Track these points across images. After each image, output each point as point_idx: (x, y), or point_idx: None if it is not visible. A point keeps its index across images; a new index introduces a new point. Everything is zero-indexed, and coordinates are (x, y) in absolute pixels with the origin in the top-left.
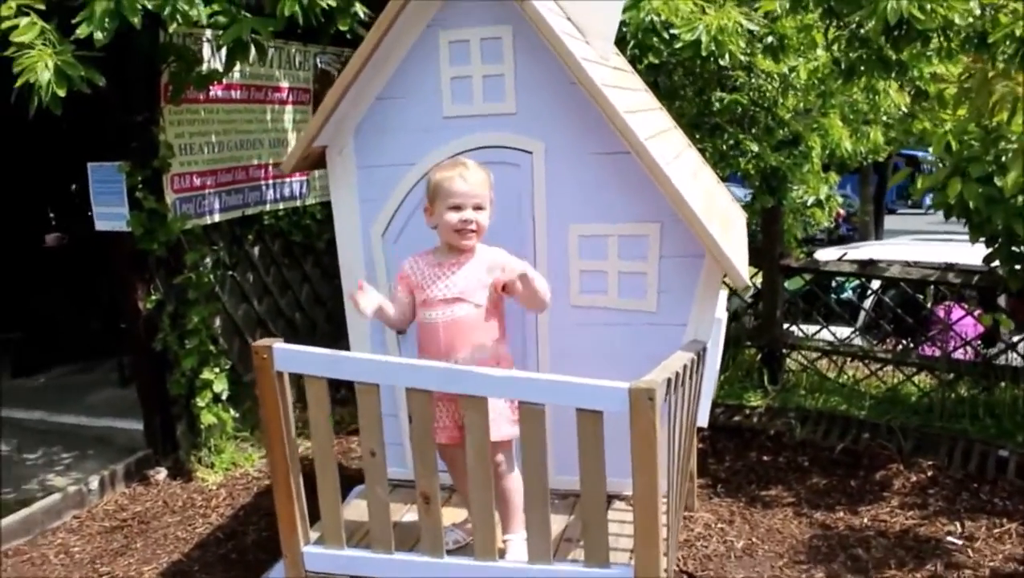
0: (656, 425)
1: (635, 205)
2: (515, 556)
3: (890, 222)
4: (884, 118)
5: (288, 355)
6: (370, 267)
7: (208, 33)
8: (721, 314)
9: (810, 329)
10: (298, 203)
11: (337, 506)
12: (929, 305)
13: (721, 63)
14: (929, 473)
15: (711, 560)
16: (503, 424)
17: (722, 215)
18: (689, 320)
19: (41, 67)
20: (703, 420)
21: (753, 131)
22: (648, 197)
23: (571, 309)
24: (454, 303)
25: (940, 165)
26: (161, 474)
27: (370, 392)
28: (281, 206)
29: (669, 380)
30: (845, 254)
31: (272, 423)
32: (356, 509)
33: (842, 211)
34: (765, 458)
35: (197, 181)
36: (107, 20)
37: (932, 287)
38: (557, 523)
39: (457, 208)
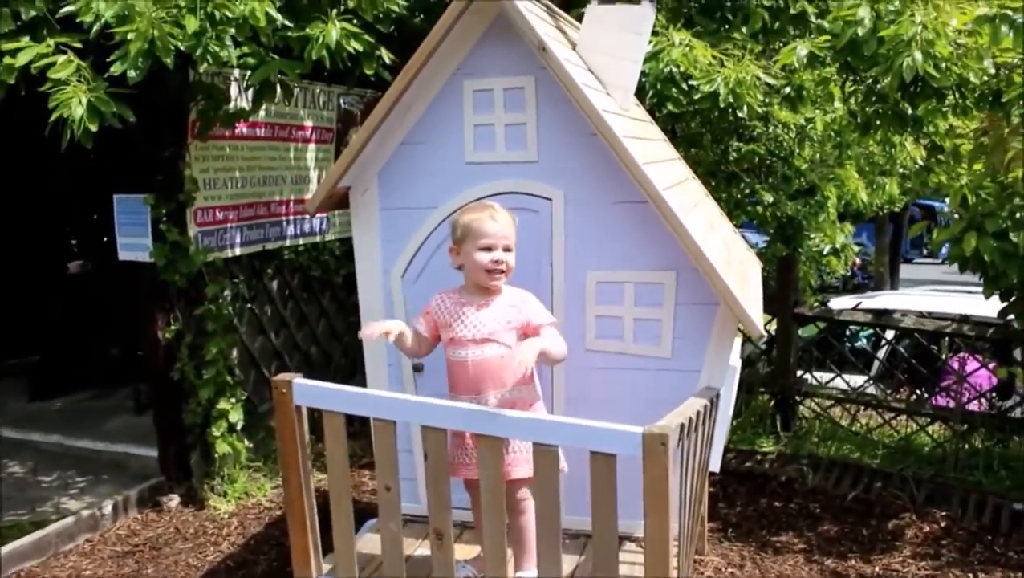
0: (668, 469)
1: (652, 253)
2: None
3: (906, 271)
4: (900, 170)
5: (307, 390)
6: (389, 306)
7: (236, 72)
8: (735, 361)
9: (823, 377)
10: (318, 239)
11: (350, 538)
12: (944, 356)
13: (739, 114)
14: (942, 524)
15: None
16: (525, 463)
17: (739, 265)
18: (703, 366)
19: (75, 103)
20: (715, 465)
21: (770, 180)
22: (664, 246)
23: (586, 353)
24: (483, 343)
25: (956, 217)
26: (174, 501)
27: (387, 428)
28: (301, 241)
29: (682, 425)
30: (860, 303)
31: (289, 455)
32: (368, 543)
33: (858, 260)
34: (776, 504)
35: (220, 215)
36: (140, 59)
37: (947, 338)
38: (567, 562)
39: (488, 248)
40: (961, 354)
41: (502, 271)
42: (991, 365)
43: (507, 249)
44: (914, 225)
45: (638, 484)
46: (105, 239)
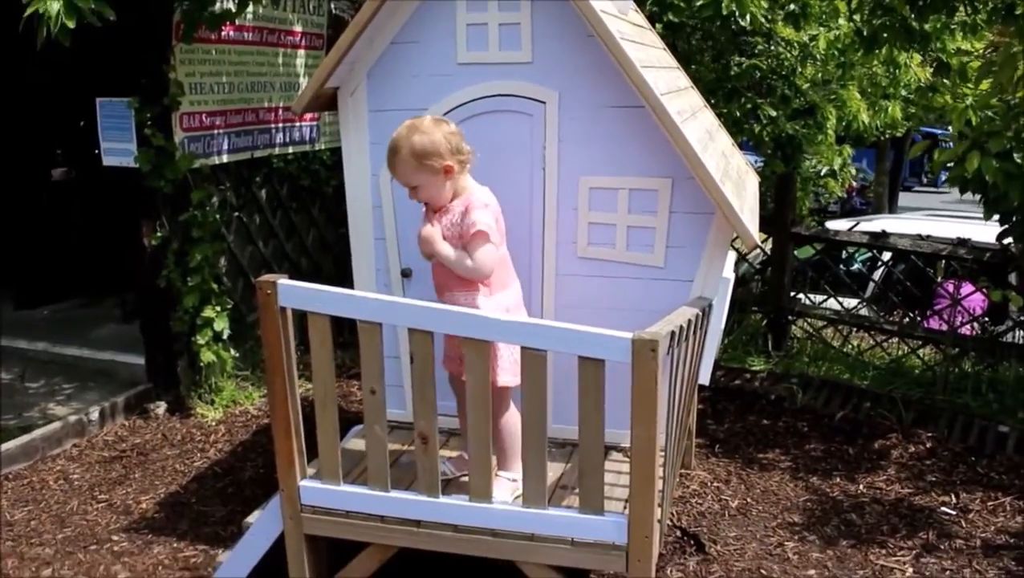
0: (657, 377)
1: (647, 160)
2: (496, 495)
3: (904, 199)
4: (904, 93)
5: (292, 291)
6: (378, 210)
7: None
8: (728, 274)
9: (817, 299)
10: (308, 147)
11: (335, 442)
12: (939, 279)
13: (741, 23)
14: (928, 445)
15: (705, 517)
16: (507, 371)
17: (736, 176)
18: (696, 276)
19: None
20: (704, 378)
21: (769, 100)
22: (660, 152)
23: (578, 260)
24: None
25: (958, 138)
26: (161, 408)
27: (373, 331)
28: (291, 150)
29: (673, 333)
30: (857, 224)
31: (274, 359)
32: (354, 448)
33: (855, 184)
34: (765, 422)
35: (206, 121)
36: None
37: (943, 262)
38: (553, 471)
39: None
40: (954, 279)
41: (426, 203)
42: (984, 289)
43: (411, 188)
44: (915, 146)
45: (625, 393)
46: (90, 147)
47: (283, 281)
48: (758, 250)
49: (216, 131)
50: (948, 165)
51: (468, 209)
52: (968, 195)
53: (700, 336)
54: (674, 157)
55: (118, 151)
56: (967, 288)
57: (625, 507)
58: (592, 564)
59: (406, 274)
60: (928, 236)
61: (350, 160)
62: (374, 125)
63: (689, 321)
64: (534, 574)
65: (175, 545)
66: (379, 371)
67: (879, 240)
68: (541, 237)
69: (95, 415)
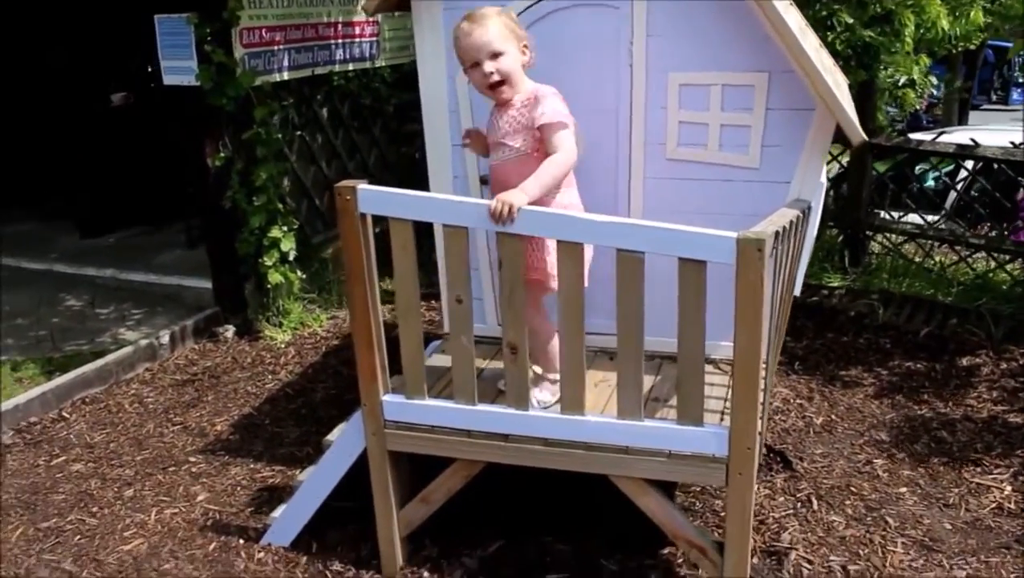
0: (763, 278)
1: (742, 53)
2: (540, 396)
3: (973, 118)
4: None
5: (373, 196)
6: (454, 114)
7: None
8: (823, 178)
9: (894, 215)
10: (368, 64)
11: (420, 354)
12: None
13: None
14: (1021, 362)
15: (789, 434)
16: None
17: (831, 71)
18: (793, 178)
19: None
20: (797, 288)
21: (845, 6)
22: (756, 45)
23: (667, 163)
24: (498, 148)
25: None
26: (229, 332)
27: (459, 236)
28: (351, 67)
29: (777, 233)
30: (941, 133)
31: (354, 267)
32: (433, 364)
33: (924, 101)
34: (844, 338)
35: (266, 36)
36: None
37: None
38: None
39: (476, 65)
40: None
41: (499, 82)
42: None
43: (494, 56)
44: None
45: (715, 303)
46: (148, 69)
47: (363, 186)
48: (834, 164)
49: (276, 47)
50: None
51: (538, 99)
52: None
53: (799, 240)
54: (770, 49)
55: (178, 69)
56: None
57: (722, 419)
58: (689, 477)
59: (484, 181)
60: (1021, 144)
61: (424, 61)
62: (450, 21)
63: (791, 222)
64: (627, 488)
65: (252, 466)
66: (465, 279)
67: (966, 149)
68: (628, 139)
69: (165, 339)
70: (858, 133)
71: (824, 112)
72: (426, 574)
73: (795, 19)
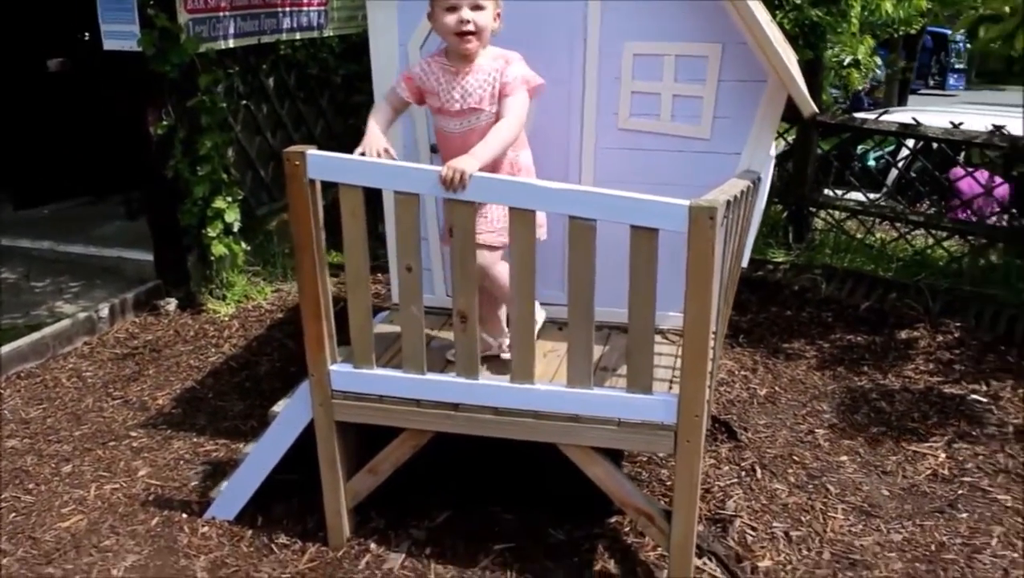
0: (715, 247)
1: (696, 24)
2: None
3: (911, 102)
4: None
5: (322, 162)
6: None
7: None
8: (772, 151)
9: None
10: (316, 34)
11: (369, 324)
12: (967, 170)
13: None
14: (956, 334)
15: (735, 405)
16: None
17: (782, 45)
18: (744, 149)
19: None
20: (745, 260)
21: None
22: (711, 16)
23: (619, 133)
24: (470, 113)
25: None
26: (171, 305)
27: (410, 203)
28: (298, 36)
29: (728, 202)
30: (884, 113)
31: (302, 235)
32: (381, 333)
33: (867, 83)
34: (788, 312)
35: (212, 2)
36: None
37: (965, 153)
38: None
39: (453, 8)
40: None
41: (471, 32)
42: (993, 180)
43: (475, 7)
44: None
45: (665, 275)
46: (87, 34)
47: (312, 151)
48: (780, 141)
49: (222, 13)
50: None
51: (508, 61)
52: (977, 96)
53: (748, 212)
54: (725, 21)
55: (119, 34)
56: (982, 177)
57: (670, 388)
58: (638, 445)
59: (435, 149)
60: (960, 124)
61: (377, 30)
62: None
63: (741, 192)
64: (576, 457)
65: (195, 440)
66: (416, 247)
67: (908, 128)
68: (580, 108)
69: (105, 312)
70: (809, 105)
71: (775, 84)
72: (373, 546)
73: None
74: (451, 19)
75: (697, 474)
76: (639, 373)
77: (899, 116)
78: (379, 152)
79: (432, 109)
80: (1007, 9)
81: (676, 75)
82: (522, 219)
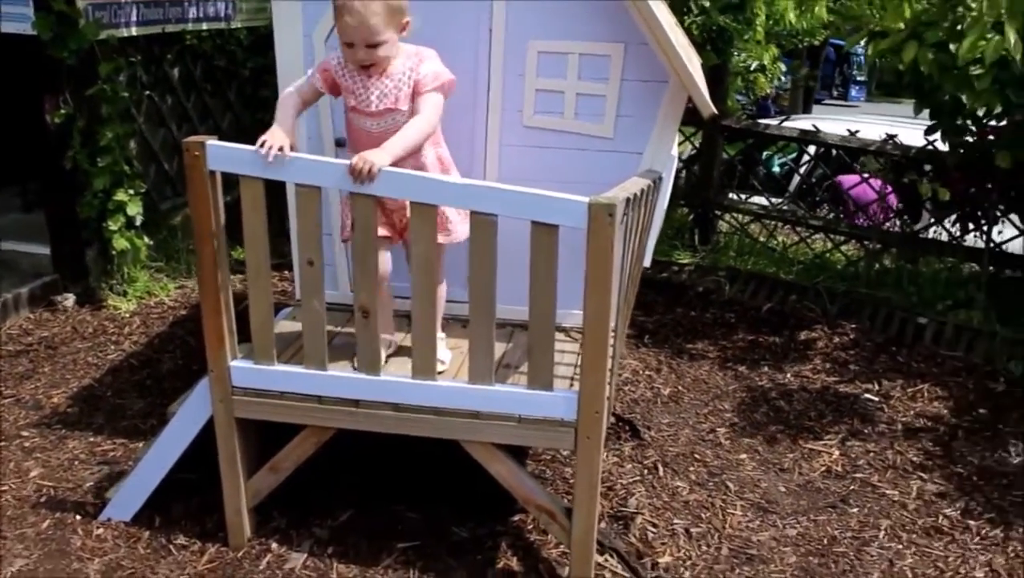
0: (614, 243)
1: (599, 23)
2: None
3: (816, 111)
4: None
5: (222, 153)
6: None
7: None
8: (675, 152)
9: (742, 196)
10: (223, 25)
11: (269, 318)
12: (866, 176)
13: None
14: (852, 336)
15: (638, 404)
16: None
17: (684, 48)
18: (646, 149)
19: None
20: (647, 259)
21: None
22: (613, 16)
23: (524, 130)
24: (386, 114)
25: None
26: (69, 300)
27: (311, 196)
28: (205, 26)
29: (628, 200)
30: (786, 120)
31: (202, 226)
32: (281, 329)
33: (773, 90)
34: (693, 313)
35: None
36: None
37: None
38: (495, 350)
39: (349, 45)
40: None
41: (371, 65)
42: (885, 188)
43: (371, 46)
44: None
45: (568, 273)
46: None
47: (212, 142)
48: (687, 145)
49: (123, 0)
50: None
51: (422, 59)
52: (877, 108)
53: (649, 210)
54: (628, 21)
55: (14, 16)
56: (875, 183)
57: (571, 385)
58: (538, 441)
59: (340, 144)
60: (856, 132)
61: (281, 20)
62: None
63: (642, 191)
64: (478, 454)
65: (91, 439)
66: (317, 241)
67: (808, 135)
68: (485, 105)
69: None
70: (708, 107)
71: (677, 85)
72: (274, 545)
73: None
74: (349, 53)
75: (597, 470)
76: (539, 370)
77: (801, 123)
78: (278, 149)
79: (347, 106)
80: (902, 24)
81: (580, 73)
82: (424, 215)
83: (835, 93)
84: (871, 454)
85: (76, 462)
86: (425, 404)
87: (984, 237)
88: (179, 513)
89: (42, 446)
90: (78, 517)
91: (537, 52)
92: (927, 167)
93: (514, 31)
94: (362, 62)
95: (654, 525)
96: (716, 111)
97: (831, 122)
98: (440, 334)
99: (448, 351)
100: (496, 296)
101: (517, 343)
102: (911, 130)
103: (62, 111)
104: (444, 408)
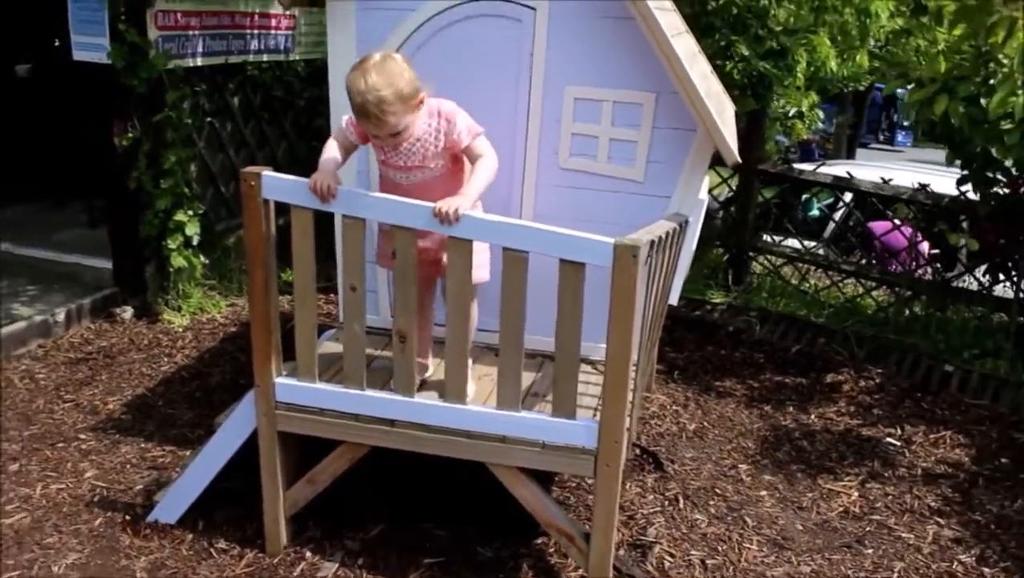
0: (637, 283)
1: (633, 73)
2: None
3: (861, 155)
4: (872, 43)
5: (276, 183)
6: None
7: None
8: (703, 195)
9: (777, 239)
10: (282, 57)
11: (313, 339)
12: (898, 222)
13: None
14: (877, 380)
15: (664, 438)
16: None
17: (716, 98)
18: (674, 193)
19: None
20: (674, 297)
21: (743, 37)
22: (647, 66)
23: (559, 171)
24: (413, 169)
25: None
26: (128, 313)
27: (356, 227)
28: (265, 58)
29: (653, 242)
30: (822, 164)
31: (255, 250)
32: (326, 351)
33: (816, 136)
34: (722, 352)
35: (181, 20)
36: None
37: (903, 207)
38: (524, 379)
39: (374, 135)
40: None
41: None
42: (918, 237)
43: (394, 135)
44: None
45: (598, 307)
46: (56, 41)
47: (267, 173)
48: (724, 187)
49: (191, 32)
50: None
51: (450, 120)
52: (922, 153)
53: (675, 252)
54: (660, 72)
55: (89, 46)
56: (907, 232)
57: (595, 414)
58: (560, 467)
59: None
60: (890, 180)
61: (335, 59)
62: (361, 21)
63: (667, 233)
64: (504, 477)
65: (142, 445)
66: (360, 269)
67: (842, 181)
68: (523, 147)
69: (61, 317)
70: (732, 155)
71: (705, 134)
72: (308, 554)
73: (685, 45)
74: (375, 142)
75: (615, 497)
76: (563, 399)
77: (836, 169)
78: (325, 188)
79: (378, 159)
80: (940, 70)
81: (613, 120)
82: (458, 248)
83: (881, 137)
84: (889, 497)
85: (128, 466)
86: (455, 427)
87: (1014, 287)
88: (221, 519)
89: (97, 449)
90: (127, 517)
91: (574, 98)
92: (962, 217)
93: (552, 78)
94: (386, 143)
95: (671, 555)
96: (740, 160)
97: (867, 168)
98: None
99: (473, 383)
100: (527, 327)
101: (546, 373)
102: (950, 178)
103: (129, 135)
104: (473, 431)
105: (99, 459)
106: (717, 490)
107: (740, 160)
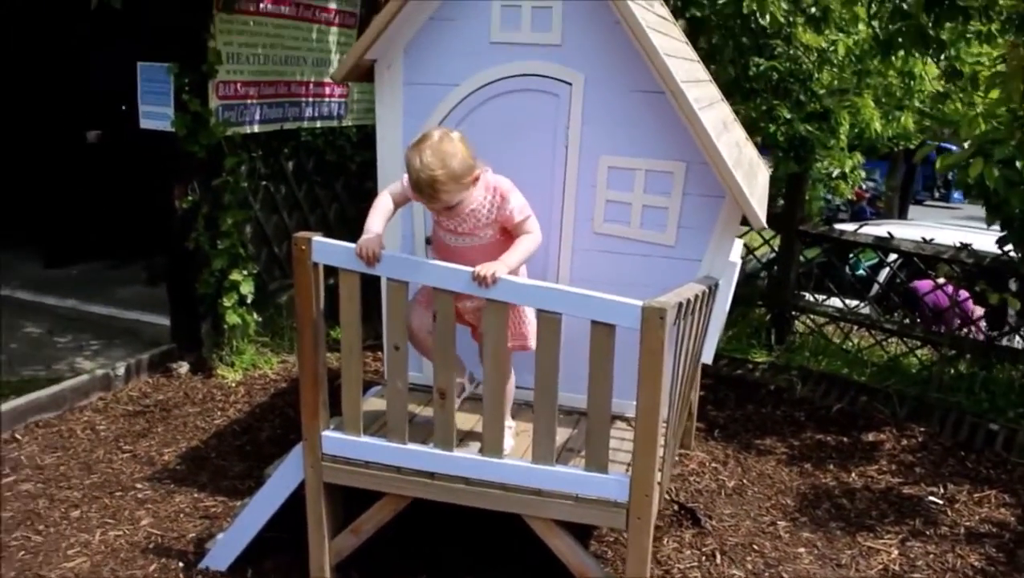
0: (664, 343)
1: (665, 143)
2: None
3: (915, 212)
4: (918, 104)
5: (325, 248)
6: None
7: None
8: (735, 258)
9: (820, 298)
10: (335, 123)
11: (358, 395)
12: (940, 281)
13: (761, 22)
14: (920, 439)
15: (702, 494)
16: (517, 334)
17: (747, 165)
18: (704, 256)
19: None
20: (708, 356)
21: (785, 102)
22: (678, 137)
23: (594, 236)
24: (463, 235)
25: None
26: (183, 368)
27: (399, 289)
28: (319, 124)
29: (680, 304)
30: (862, 226)
31: (305, 311)
32: (370, 408)
33: (868, 193)
34: (763, 410)
35: (241, 90)
36: None
37: (946, 266)
38: (559, 435)
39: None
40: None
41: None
42: (964, 295)
43: (448, 207)
44: (921, 149)
45: (631, 365)
46: (123, 108)
47: (317, 238)
48: (767, 248)
49: (249, 101)
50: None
51: (504, 198)
52: (979, 210)
53: (706, 313)
54: (690, 142)
55: (155, 115)
56: (962, 294)
57: (628, 469)
58: (594, 520)
59: (429, 241)
60: (931, 240)
61: (383, 131)
62: (408, 97)
63: (696, 296)
64: (539, 528)
65: (196, 495)
66: (403, 328)
67: (882, 241)
68: (560, 212)
69: (121, 370)
70: (759, 221)
71: (733, 200)
72: None
73: (715, 116)
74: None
75: (647, 548)
76: (596, 453)
77: (879, 229)
78: (370, 254)
79: (433, 217)
80: (977, 133)
81: (646, 187)
82: (496, 311)
83: (937, 194)
84: (931, 556)
85: (181, 515)
86: (493, 480)
87: None
88: (269, 567)
89: (153, 498)
90: (181, 564)
91: (608, 167)
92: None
93: (588, 148)
94: (440, 213)
95: None
96: (765, 225)
97: (912, 227)
98: (509, 422)
99: (511, 438)
100: (566, 385)
101: (582, 429)
102: (985, 236)
103: (189, 198)
104: (510, 484)
105: (154, 508)
106: (755, 546)
107: (766, 225)
